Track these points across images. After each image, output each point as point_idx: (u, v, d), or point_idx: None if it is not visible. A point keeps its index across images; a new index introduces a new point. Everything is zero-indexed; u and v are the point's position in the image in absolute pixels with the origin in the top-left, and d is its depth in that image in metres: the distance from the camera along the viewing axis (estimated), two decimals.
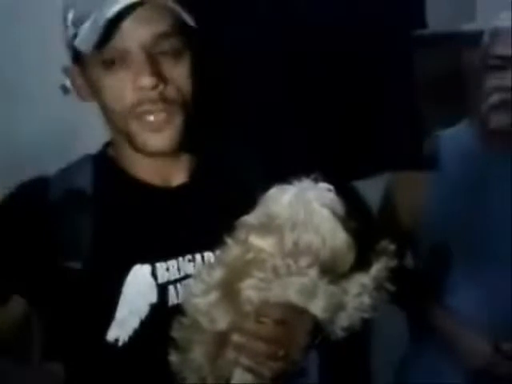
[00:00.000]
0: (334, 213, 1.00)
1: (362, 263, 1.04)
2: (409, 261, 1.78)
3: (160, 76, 1.06)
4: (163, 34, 1.06)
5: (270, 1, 1.55)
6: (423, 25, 1.70)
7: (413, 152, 1.67)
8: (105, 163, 1.17)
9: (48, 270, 1.06)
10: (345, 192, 1.59)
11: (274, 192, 1.03)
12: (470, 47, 1.70)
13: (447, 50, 2.05)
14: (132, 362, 1.08)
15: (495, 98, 1.59)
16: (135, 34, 1.05)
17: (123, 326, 1.07)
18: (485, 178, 1.65)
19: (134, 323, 1.07)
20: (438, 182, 1.68)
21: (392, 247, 1.09)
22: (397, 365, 1.81)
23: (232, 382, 1.00)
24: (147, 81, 1.04)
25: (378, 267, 1.06)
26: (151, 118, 1.07)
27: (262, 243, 1.00)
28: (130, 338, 1.07)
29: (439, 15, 1.89)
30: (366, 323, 1.06)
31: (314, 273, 0.99)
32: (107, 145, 1.20)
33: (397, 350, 1.85)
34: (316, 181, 1.04)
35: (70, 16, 1.07)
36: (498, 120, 1.60)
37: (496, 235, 1.62)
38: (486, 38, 1.63)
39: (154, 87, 1.05)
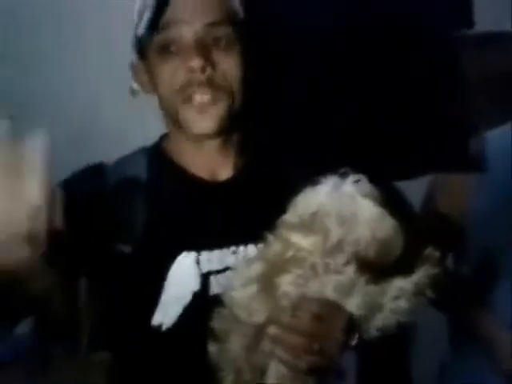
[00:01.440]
0: (377, 202, 1.01)
1: (404, 267, 1.04)
2: (450, 264, 1.73)
3: (209, 60, 1.10)
4: (215, 23, 1.11)
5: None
6: (470, 24, 1.67)
7: (459, 154, 1.63)
8: (158, 155, 1.22)
9: (101, 251, 1.10)
10: (388, 193, 1.58)
11: (308, 192, 1.04)
12: None
13: (498, 50, 2.01)
14: (174, 347, 1.10)
15: None
16: (188, 23, 1.10)
17: (167, 311, 1.10)
18: None
19: (177, 309, 1.10)
20: (483, 184, 1.64)
21: (436, 254, 1.08)
22: (437, 371, 1.78)
23: (267, 373, 1.01)
24: (196, 62, 1.09)
25: (420, 273, 1.05)
26: (197, 97, 1.11)
27: (303, 241, 1.00)
28: (173, 324, 1.10)
29: (487, 15, 1.85)
30: (407, 329, 1.06)
31: (351, 270, 0.99)
32: (162, 138, 1.25)
33: (438, 356, 1.82)
34: (346, 175, 1.04)
35: (136, 8, 1.15)
36: None
37: None
38: None
39: (202, 69, 1.10)
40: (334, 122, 1.52)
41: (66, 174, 1.18)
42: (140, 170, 1.18)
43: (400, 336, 1.07)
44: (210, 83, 1.11)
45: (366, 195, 1.01)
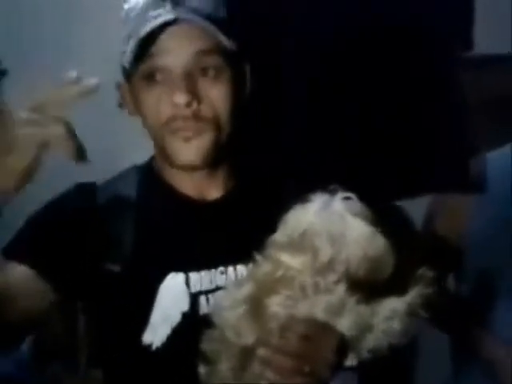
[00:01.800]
0: (367, 220, 0.99)
1: (397, 287, 1.02)
2: (451, 284, 1.73)
3: (195, 94, 1.08)
4: (202, 52, 1.09)
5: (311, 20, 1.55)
6: (470, 46, 1.67)
7: (459, 174, 1.63)
8: (148, 174, 1.21)
9: (91, 270, 1.10)
10: (389, 212, 1.58)
11: (297, 210, 1.02)
12: None
13: (497, 73, 2.01)
14: (163, 368, 1.09)
15: None
16: (175, 52, 1.08)
17: (156, 331, 1.09)
18: None
19: (166, 329, 1.09)
20: (483, 204, 1.63)
21: (430, 274, 1.06)
22: None
23: None
24: (181, 98, 1.07)
25: (413, 294, 1.03)
26: (183, 132, 1.10)
27: (293, 261, 0.99)
28: (163, 344, 1.09)
29: (489, 38, 1.86)
30: (408, 349, 1.03)
31: (341, 289, 0.97)
32: (153, 157, 1.23)
33: (439, 374, 1.81)
34: (335, 192, 1.03)
35: (124, 33, 1.12)
36: None
37: None
38: None
39: (188, 105, 1.07)
40: (332, 142, 1.52)
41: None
42: (130, 189, 1.17)
43: (402, 356, 1.06)
44: (196, 117, 1.09)
45: (355, 214, 1.00)
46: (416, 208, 1.68)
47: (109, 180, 1.20)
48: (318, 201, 1.02)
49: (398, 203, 1.61)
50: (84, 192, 1.17)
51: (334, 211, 1.00)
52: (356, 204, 1.01)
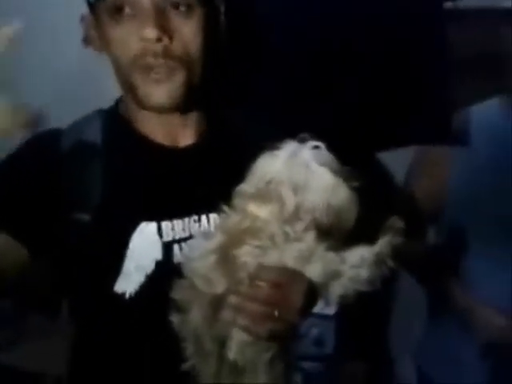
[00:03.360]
0: (332, 170, 0.98)
1: (367, 236, 1.01)
2: (431, 236, 1.72)
3: (166, 29, 1.02)
4: None
5: None
6: None
7: (442, 127, 1.60)
8: (115, 119, 1.14)
9: (57, 221, 1.05)
10: (369, 163, 1.56)
11: (266, 158, 1.00)
12: (506, 23, 1.63)
13: (485, 25, 1.96)
14: (138, 316, 1.07)
15: None
16: None
17: (130, 279, 1.06)
18: None
19: (139, 278, 1.06)
20: (464, 157, 1.62)
21: (400, 224, 1.06)
22: (415, 338, 1.78)
23: (229, 343, 0.98)
24: (151, 32, 1.01)
25: (381, 243, 1.03)
26: (152, 69, 1.03)
27: (260, 211, 0.97)
28: (136, 292, 1.06)
29: None
30: (386, 294, 1.03)
31: (310, 237, 0.97)
32: (118, 101, 1.17)
33: (414, 322, 1.82)
34: (304, 141, 1.00)
35: None
36: None
37: None
38: None
39: (158, 40, 1.01)
40: (312, 92, 1.49)
41: None
42: (96, 135, 1.10)
43: (378, 305, 1.05)
44: (166, 54, 1.02)
45: (322, 163, 0.98)
46: (399, 159, 1.67)
47: (72, 125, 1.12)
48: (286, 149, 1.00)
49: (382, 154, 1.60)
50: (46, 139, 1.10)
51: (300, 160, 0.98)
52: (324, 153, 1.00)
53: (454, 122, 1.61)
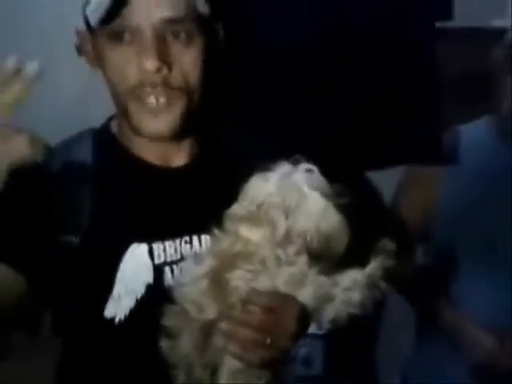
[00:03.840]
0: (324, 194, 0.96)
1: (359, 259, 1.00)
2: (420, 255, 1.72)
3: (165, 60, 1.00)
4: (176, 18, 1.00)
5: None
6: (449, 17, 1.62)
7: (433, 147, 1.59)
8: (107, 138, 1.12)
9: (46, 244, 1.02)
10: (358, 183, 1.55)
11: (257, 180, 0.98)
12: (497, 44, 1.63)
13: (475, 45, 1.97)
14: (127, 340, 1.03)
15: None
16: (147, 13, 0.99)
17: (119, 304, 1.03)
18: (501, 177, 1.58)
19: (130, 302, 1.03)
20: (454, 177, 1.62)
21: (391, 246, 1.04)
22: (403, 358, 1.77)
23: (220, 370, 0.96)
24: (151, 64, 0.98)
25: (373, 265, 1.01)
26: (151, 99, 1.01)
27: (252, 234, 0.95)
28: (126, 316, 1.03)
29: (469, 10, 1.81)
30: (374, 314, 1.02)
31: (303, 260, 0.95)
32: (111, 119, 1.14)
33: (403, 342, 1.81)
34: (297, 162, 0.99)
35: None
36: None
37: (510, 233, 1.56)
38: (510, 35, 1.57)
39: (157, 71, 0.99)
40: (303, 109, 1.47)
41: None
42: (87, 155, 1.07)
43: (367, 325, 1.04)
44: (166, 84, 1.00)
45: (313, 186, 0.96)
46: (388, 179, 1.66)
47: (62, 144, 1.10)
48: (278, 171, 0.98)
49: (371, 173, 1.59)
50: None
51: (292, 183, 0.96)
52: (316, 177, 0.98)
53: (444, 142, 1.60)
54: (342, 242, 0.97)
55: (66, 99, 1.83)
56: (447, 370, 1.59)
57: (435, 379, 1.62)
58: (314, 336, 1.58)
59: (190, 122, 1.06)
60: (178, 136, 1.07)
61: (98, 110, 1.11)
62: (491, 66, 1.62)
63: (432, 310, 1.64)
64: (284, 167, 0.98)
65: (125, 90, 1.02)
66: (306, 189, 0.96)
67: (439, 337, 1.62)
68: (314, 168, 0.99)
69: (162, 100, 1.01)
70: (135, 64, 1.00)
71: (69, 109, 1.78)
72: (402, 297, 1.69)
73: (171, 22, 1.00)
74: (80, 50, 1.10)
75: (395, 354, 1.81)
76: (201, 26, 1.03)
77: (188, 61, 1.02)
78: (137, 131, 1.05)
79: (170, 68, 1.00)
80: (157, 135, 1.04)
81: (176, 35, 1.01)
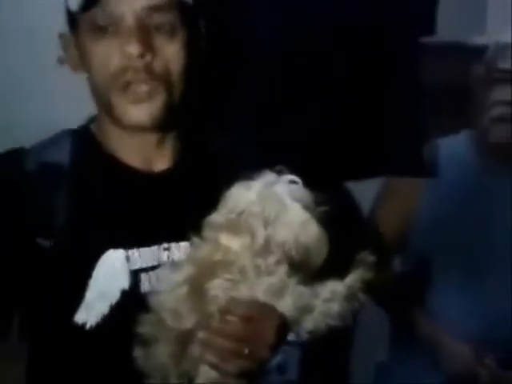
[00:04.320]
0: (305, 206, 0.95)
1: (339, 270, 1.00)
2: (397, 265, 1.73)
3: (149, 46, 0.99)
4: (158, 7, 0.99)
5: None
6: (432, 31, 1.63)
7: (411, 158, 1.59)
8: (86, 139, 1.09)
9: (18, 245, 0.99)
10: (337, 193, 1.55)
11: (239, 188, 0.97)
12: (476, 60, 1.65)
13: (454, 61, 1.99)
14: (99, 347, 1.01)
15: (497, 112, 1.55)
16: (129, 1, 0.98)
17: (92, 309, 1.00)
18: (479, 190, 1.60)
19: (102, 308, 1.00)
20: (432, 189, 1.63)
21: (371, 259, 1.04)
22: (377, 367, 1.77)
23: (196, 380, 0.94)
24: (134, 47, 0.97)
25: (353, 277, 1.01)
26: (133, 87, 1.00)
27: (232, 242, 0.94)
28: (98, 323, 1.00)
29: (449, 26, 1.82)
30: (347, 327, 1.01)
31: (282, 270, 0.94)
32: (91, 121, 1.12)
33: (377, 350, 1.81)
34: (281, 173, 0.98)
35: None
36: (497, 134, 1.56)
37: (486, 246, 1.58)
38: (490, 52, 1.60)
39: (141, 55, 0.98)
40: (285, 116, 1.47)
41: None
42: (63, 156, 1.04)
43: (341, 333, 1.04)
44: (148, 71, 0.99)
45: (295, 198, 0.95)
46: (367, 190, 1.67)
47: (37, 145, 1.07)
48: (260, 181, 0.97)
49: (349, 185, 1.59)
50: (6, 161, 1.04)
51: (274, 193, 0.96)
52: (299, 188, 0.97)
53: (424, 154, 1.61)
54: (320, 254, 0.96)
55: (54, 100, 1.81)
56: (423, 379, 1.59)
57: None
58: (289, 343, 1.58)
59: (172, 115, 1.04)
60: (159, 128, 1.05)
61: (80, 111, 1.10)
62: (471, 81, 1.64)
63: (408, 320, 1.64)
64: (267, 177, 0.97)
65: (107, 79, 1.00)
66: (287, 200, 0.95)
67: (414, 347, 1.62)
68: (298, 180, 0.98)
69: (144, 88, 1.00)
70: (118, 52, 0.99)
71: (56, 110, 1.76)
72: (378, 305, 1.70)
73: (153, 9, 0.99)
74: (61, 60, 1.09)
75: (368, 363, 1.81)
76: (184, 18, 1.02)
77: (171, 52, 1.01)
78: (119, 123, 1.03)
79: (153, 54, 0.99)
80: (138, 125, 1.02)
81: (159, 29, 1.01)
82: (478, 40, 2.07)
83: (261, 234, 0.93)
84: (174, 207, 1.06)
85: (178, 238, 1.04)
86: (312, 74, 1.49)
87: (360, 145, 1.54)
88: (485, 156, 1.62)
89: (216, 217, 0.97)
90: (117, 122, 1.03)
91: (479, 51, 1.67)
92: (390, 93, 1.55)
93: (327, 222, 0.98)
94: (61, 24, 1.07)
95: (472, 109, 1.65)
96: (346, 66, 1.50)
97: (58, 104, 1.77)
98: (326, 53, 1.49)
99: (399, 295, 1.65)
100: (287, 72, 1.47)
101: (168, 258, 1.04)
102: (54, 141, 1.07)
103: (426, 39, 1.61)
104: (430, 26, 1.63)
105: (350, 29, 1.50)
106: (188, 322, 0.93)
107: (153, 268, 1.03)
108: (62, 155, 1.04)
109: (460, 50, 2.04)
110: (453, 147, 1.68)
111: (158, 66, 1.00)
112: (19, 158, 1.04)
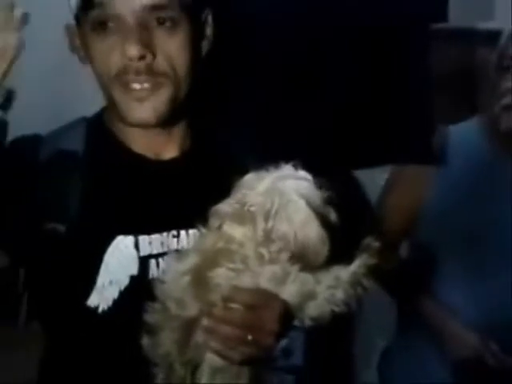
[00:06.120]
0: (310, 204, 0.93)
1: (344, 256, 0.97)
2: (403, 251, 1.70)
3: (149, 46, 0.97)
4: (158, 4, 0.97)
5: None
6: (445, 18, 1.59)
7: (420, 146, 1.56)
8: (99, 128, 1.08)
9: (32, 229, 0.99)
10: (344, 181, 1.52)
11: (250, 178, 0.95)
12: (485, 46, 1.61)
13: (462, 46, 1.94)
14: (110, 331, 1.00)
15: (508, 100, 1.50)
16: (129, 0, 0.96)
17: (103, 294, 1.00)
18: (488, 178, 1.57)
19: (113, 293, 1.00)
20: (441, 177, 1.60)
21: (376, 245, 1.01)
22: (382, 351, 1.75)
23: (201, 367, 0.93)
24: (133, 50, 0.95)
25: (357, 263, 0.99)
26: (135, 86, 0.98)
27: (235, 232, 0.93)
28: (110, 307, 1.00)
29: (457, 11, 1.78)
30: (354, 312, 0.99)
31: (285, 257, 0.92)
32: (104, 109, 1.10)
33: (382, 335, 1.79)
34: (295, 168, 0.96)
35: None
36: (509, 122, 1.52)
37: (493, 235, 1.55)
38: (503, 39, 1.55)
39: (141, 58, 0.96)
40: (291, 106, 1.43)
41: None
42: (78, 143, 1.04)
43: (347, 318, 1.01)
44: (149, 71, 0.97)
45: (302, 195, 0.93)
46: (376, 178, 1.63)
47: (53, 132, 1.06)
48: (273, 173, 0.95)
49: (358, 172, 1.56)
50: (24, 147, 1.03)
51: (281, 186, 0.94)
52: (308, 186, 0.95)
53: (433, 142, 1.58)
54: (320, 254, 0.94)
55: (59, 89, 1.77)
56: (429, 366, 1.58)
57: (416, 374, 1.60)
58: (295, 327, 1.55)
59: (178, 109, 1.02)
60: (165, 124, 1.03)
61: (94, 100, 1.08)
62: (484, 67, 1.60)
63: (414, 306, 1.62)
64: (282, 170, 0.96)
65: (110, 78, 0.99)
66: (293, 195, 0.93)
67: (420, 333, 1.61)
68: (310, 177, 0.96)
69: (147, 85, 0.98)
70: (118, 51, 0.97)
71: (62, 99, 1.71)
72: (384, 291, 1.67)
73: (154, 8, 0.97)
74: (73, 48, 1.06)
75: (373, 348, 1.79)
76: (186, 13, 1.00)
77: (173, 47, 0.99)
78: (124, 120, 1.02)
79: (153, 55, 0.97)
80: (143, 123, 1.01)
81: (160, 22, 0.98)
82: (484, 25, 2.03)
83: (260, 226, 0.92)
84: (183, 195, 1.05)
85: (187, 225, 1.03)
86: (320, 61, 1.46)
87: (368, 133, 1.52)
88: (495, 144, 1.58)
89: (222, 206, 0.95)
90: (121, 119, 1.02)
91: (489, 37, 1.62)
92: (399, 80, 1.52)
93: (334, 208, 0.96)
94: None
95: (482, 96, 1.61)
96: (354, 53, 1.47)
97: None
98: (335, 39, 1.46)
99: (406, 281, 1.62)
100: (296, 59, 1.44)
101: (177, 245, 1.03)
102: (68, 129, 1.07)
103: (436, 25, 1.57)
104: (442, 14, 1.58)
105: (361, 15, 1.47)
106: (192, 310, 0.93)
107: (162, 255, 1.03)
108: (76, 143, 1.04)
109: (469, 35, 1.99)
110: (463, 135, 1.64)
111: (160, 64, 0.98)
112: (34, 145, 1.04)
